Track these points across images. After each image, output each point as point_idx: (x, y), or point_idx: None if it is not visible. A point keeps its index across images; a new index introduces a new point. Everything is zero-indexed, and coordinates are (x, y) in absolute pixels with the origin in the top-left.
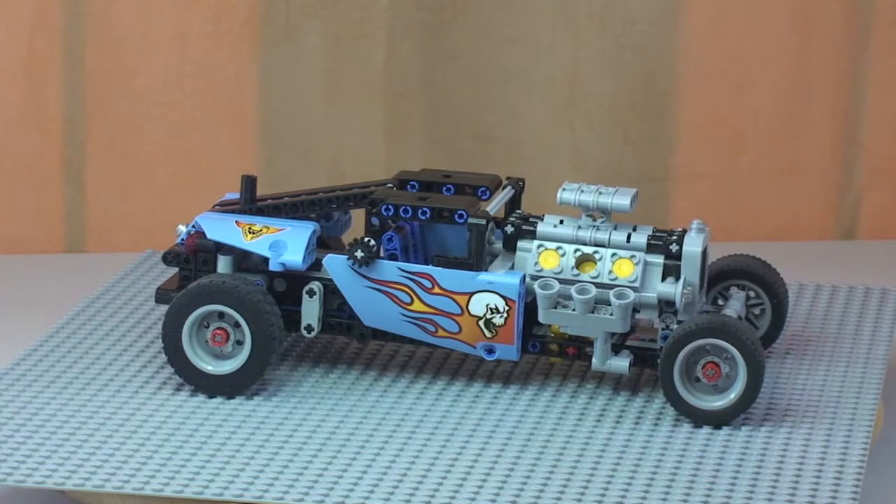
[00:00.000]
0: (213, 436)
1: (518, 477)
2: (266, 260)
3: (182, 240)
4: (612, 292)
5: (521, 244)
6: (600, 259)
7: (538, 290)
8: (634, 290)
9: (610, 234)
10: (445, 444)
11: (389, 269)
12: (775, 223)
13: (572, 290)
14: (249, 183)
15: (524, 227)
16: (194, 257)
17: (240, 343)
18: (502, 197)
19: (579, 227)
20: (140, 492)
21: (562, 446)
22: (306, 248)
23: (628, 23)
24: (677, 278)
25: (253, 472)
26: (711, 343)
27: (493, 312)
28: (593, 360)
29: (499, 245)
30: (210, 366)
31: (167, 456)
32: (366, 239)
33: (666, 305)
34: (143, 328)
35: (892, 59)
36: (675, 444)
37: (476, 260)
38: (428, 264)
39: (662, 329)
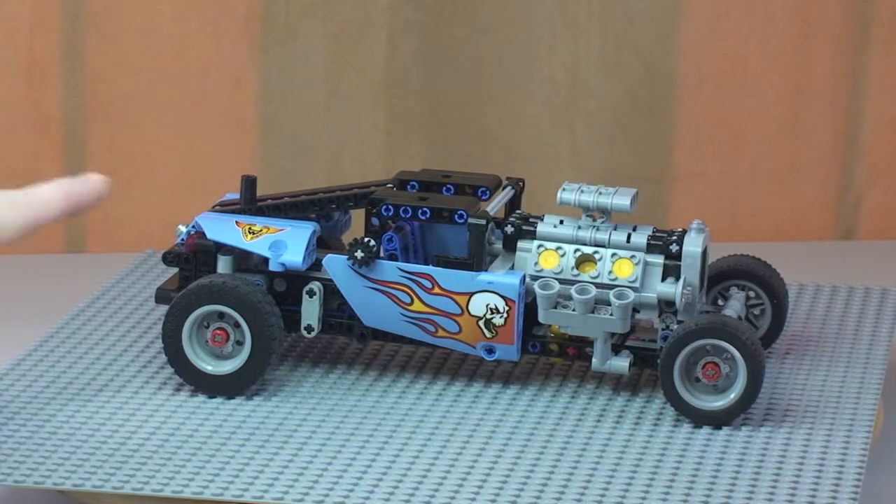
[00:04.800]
0: (213, 436)
1: (518, 477)
2: (266, 260)
3: (182, 240)
4: (612, 292)
5: (521, 244)
6: (600, 259)
7: (538, 290)
8: (634, 290)
9: (610, 234)
10: (445, 444)
11: (389, 270)
12: (775, 223)
13: (572, 290)
14: (249, 183)
15: (524, 228)
16: (194, 257)
17: (240, 343)
18: (502, 197)
19: (579, 228)
20: (139, 492)
21: (562, 446)
22: (306, 248)
23: (628, 23)
24: (677, 278)
25: (253, 472)
26: (711, 343)
27: (493, 312)
28: (593, 360)
29: (499, 245)
30: (210, 366)
31: (167, 456)
32: (366, 239)
33: (666, 305)
34: (143, 328)
35: (892, 59)
36: (675, 444)
37: (476, 260)
38: (428, 264)
39: (662, 329)
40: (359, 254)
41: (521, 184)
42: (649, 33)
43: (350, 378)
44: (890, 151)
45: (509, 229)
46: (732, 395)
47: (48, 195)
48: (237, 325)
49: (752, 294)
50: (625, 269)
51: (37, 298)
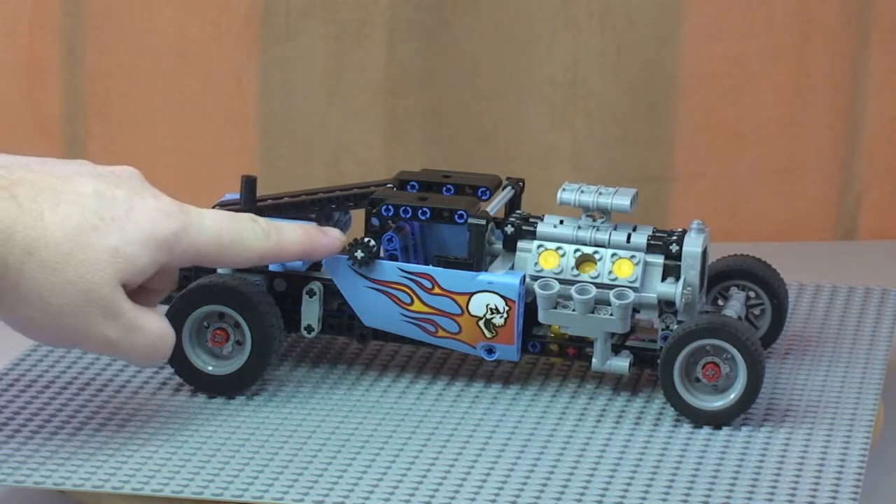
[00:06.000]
0: (213, 436)
1: (518, 477)
2: None
3: None
4: (612, 292)
5: (521, 244)
6: (600, 259)
7: (538, 291)
8: (634, 290)
9: (610, 234)
10: (445, 444)
11: (389, 270)
12: (775, 223)
13: (572, 290)
14: (249, 183)
15: (524, 228)
16: None
17: (240, 343)
18: (502, 197)
19: (579, 228)
20: (139, 492)
21: (562, 446)
22: None
23: (628, 23)
24: (677, 278)
25: (253, 472)
26: (711, 343)
27: (493, 313)
28: (593, 360)
29: (499, 245)
30: (210, 366)
31: (167, 456)
32: (366, 239)
33: (666, 306)
34: None
35: (892, 59)
36: (675, 444)
37: (476, 260)
38: (428, 264)
39: (662, 329)
40: (359, 254)
41: (521, 184)
42: (649, 33)
43: (350, 378)
44: (890, 151)
45: (509, 229)
46: (732, 396)
47: (291, 237)
48: (237, 325)
49: (752, 294)
50: (625, 269)
51: None
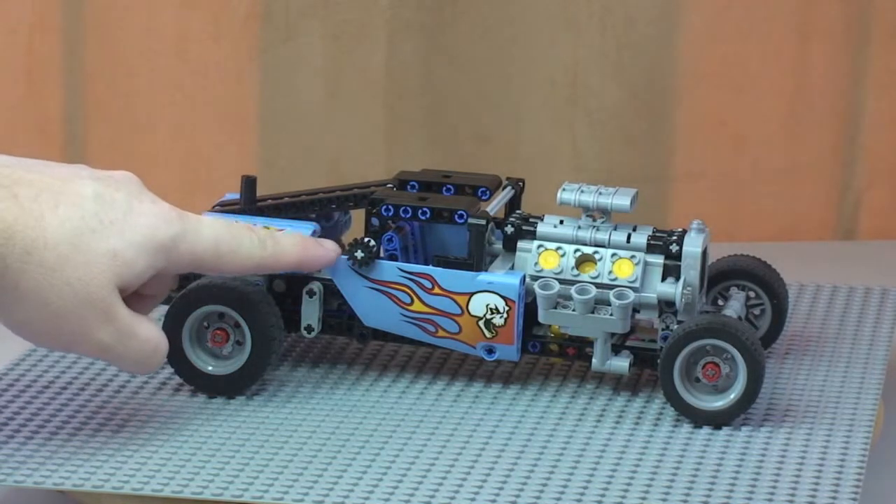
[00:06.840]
0: (213, 436)
1: (518, 477)
2: None
3: None
4: (612, 292)
5: (521, 244)
6: (600, 259)
7: (538, 291)
8: (634, 290)
9: (610, 234)
10: (445, 444)
11: (389, 270)
12: (775, 223)
13: (572, 290)
14: (249, 183)
15: (524, 228)
16: None
17: (240, 343)
18: (502, 197)
19: (579, 228)
20: (139, 492)
21: (562, 446)
22: None
23: (628, 23)
24: (677, 278)
25: (253, 472)
26: (711, 343)
27: (493, 313)
28: (593, 360)
29: (499, 245)
30: (210, 366)
31: (166, 456)
32: (366, 239)
33: (666, 306)
34: None
35: (892, 60)
36: (675, 444)
37: (476, 260)
38: (428, 264)
39: (662, 329)
40: (359, 254)
41: (521, 184)
42: (649, 33)
43: (350, 378)
44: (890, 151)
45: (509, 229)
46: (732, 396)
47: (288, 247)
48: (237, 325)
49: (752, 294)
50: (625, 270)
51: None
